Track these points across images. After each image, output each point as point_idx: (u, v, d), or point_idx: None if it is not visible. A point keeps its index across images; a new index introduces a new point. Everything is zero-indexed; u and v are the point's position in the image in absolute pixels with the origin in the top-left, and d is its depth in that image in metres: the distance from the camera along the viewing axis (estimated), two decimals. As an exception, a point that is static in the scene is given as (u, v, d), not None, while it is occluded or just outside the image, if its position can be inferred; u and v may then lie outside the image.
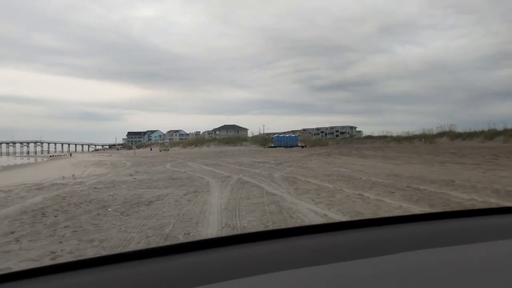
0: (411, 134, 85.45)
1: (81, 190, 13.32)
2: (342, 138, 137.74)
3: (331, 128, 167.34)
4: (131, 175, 20.25)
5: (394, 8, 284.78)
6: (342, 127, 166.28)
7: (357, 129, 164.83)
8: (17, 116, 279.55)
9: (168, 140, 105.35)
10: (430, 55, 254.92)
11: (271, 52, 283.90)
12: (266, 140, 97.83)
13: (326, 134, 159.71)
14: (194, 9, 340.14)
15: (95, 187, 14.28)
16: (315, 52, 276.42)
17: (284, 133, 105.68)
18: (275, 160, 29.43)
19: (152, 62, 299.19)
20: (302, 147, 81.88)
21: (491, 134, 61.02)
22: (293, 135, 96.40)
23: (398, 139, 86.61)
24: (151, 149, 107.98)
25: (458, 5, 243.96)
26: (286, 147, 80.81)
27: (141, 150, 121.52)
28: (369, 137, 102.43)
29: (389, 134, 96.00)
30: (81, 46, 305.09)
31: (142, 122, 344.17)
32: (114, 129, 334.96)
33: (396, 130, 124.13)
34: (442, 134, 73.05)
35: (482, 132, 64.51)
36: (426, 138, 76.20)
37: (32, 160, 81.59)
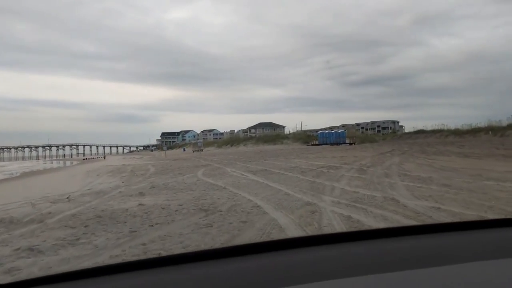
0: (474, 127, 75.61)
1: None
2: (387, 133, 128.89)
3: (372, 123, 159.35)
4: (141, 194, 12.95)
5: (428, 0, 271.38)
6: (384, 122, 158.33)
7: (399, 124, 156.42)
8: (55, 120, 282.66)
9: (201, 140, 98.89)
10: (468, 45, 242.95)
11: (304, 49, 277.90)
12: (310, 137, 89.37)
13: (366, 129, 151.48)
14: (226, 9, 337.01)
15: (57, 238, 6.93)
16: (349, 48, 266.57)
17: (323, 129, 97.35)
18: (345, 163, 21.65)
19: (185, 63, 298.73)
20: (350, 144, 73.47)
21: None
22: (339, 131, 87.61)
23: (458, 133, 77.08)
24: (184, 149, 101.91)
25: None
26: (332, 144, 72.50)
27: (174, 151, 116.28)
28: (421, 131, 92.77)
29: (445, 128, 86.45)
30: (116, 50, 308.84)
31: (176, 123, 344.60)
32: (150, 130, 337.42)
33: (433, 124, 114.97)
34: (514, 126, 63.25)
35: None
36: (495, 130, 66.46)
37: (61, 163, 77.33)
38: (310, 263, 1.27)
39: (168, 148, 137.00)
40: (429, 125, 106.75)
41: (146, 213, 9.07)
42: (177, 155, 71.57)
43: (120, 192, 14.10)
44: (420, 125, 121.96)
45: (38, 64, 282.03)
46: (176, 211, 9.13)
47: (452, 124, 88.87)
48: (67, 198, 12.94)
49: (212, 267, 1.25)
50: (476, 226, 1.64)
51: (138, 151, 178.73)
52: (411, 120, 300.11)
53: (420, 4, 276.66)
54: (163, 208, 9.60)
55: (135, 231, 7.06)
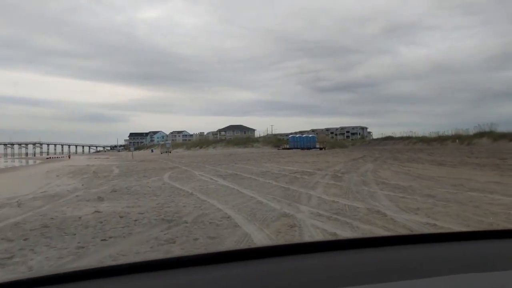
0: (442, 135, 76.59)
1: None
2: (356, 139, 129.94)
3: (341, 128, 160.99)
4: (100, 199, 11.79)
5: (398, 8, 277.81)
6: (353, 128, 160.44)
7: (367, 130, 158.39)
8: (18, 117, 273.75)
9: (170, 141, 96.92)
10: (435, 56, 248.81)
11: (276, 53, 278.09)
12: (280, 141, 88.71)
13: (336, 134, 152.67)
14: (199, 10, 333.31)
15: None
16: (320, 53, 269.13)
17: (293, 133, 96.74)
18: (318, 169, 20.91)
19: (157, 63, 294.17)
20: (321, 148, 73.27)
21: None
22: (310, 136, 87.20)
23: (426, 140, 77.87)
24: (152, 150, 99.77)
25: (463, 6, 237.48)
26: (302, 148, 72.03)
27: (142, 152, 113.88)
28: (390, 138, 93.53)
29: (413, 135, 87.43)
30: (86, 48, 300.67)
31: (146, 124, 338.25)
32: (118, 130, 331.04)
33: (400, 130, 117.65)
34: (481, 135, 64.12)
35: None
36: (462, 139, 67.37)
37: (23, 162, 74.33)
38: (297, 271, 1.24)
39: (135, 149, 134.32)
40: (395, 131, 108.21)
41: (101, 222, 7.97)
42: (144, 156, 69.74)
43: (77, 196, 12.89)
44: (387, 132, 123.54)
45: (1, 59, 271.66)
46: (135, 220, 8.07)
47: (419, 132, 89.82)
48: (17, 202, 11.68)
49: (201, 273, 1.21)
50: (465, 238, 1.63)
51: (105, 151, 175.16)
52: (378, 127, 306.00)
53: (389, 13, 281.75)
54: (121, 217, 8.52)
55: (83, 247, 5.98)
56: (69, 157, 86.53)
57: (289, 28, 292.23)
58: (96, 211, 9.37)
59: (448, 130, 78.82)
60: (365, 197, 10.30)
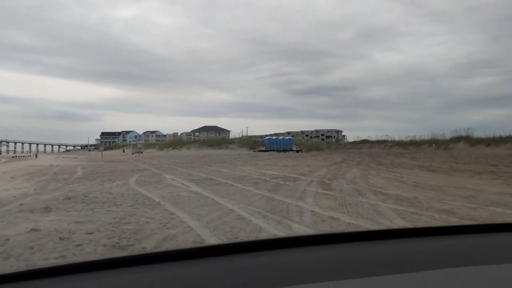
0: (418, 139, 76.13)
1: None
2: (331, 142, 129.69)
3: (316, 131, 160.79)
4: (47, 209, 9.76)
5: (373, 14, 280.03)
6: (328, 131, 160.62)
7: (342, 133, 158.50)
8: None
9: (141, 141, 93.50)
10: (408, 62, 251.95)
11: (251, 55, 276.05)
12: (256, 143, 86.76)
13: (311, 137, 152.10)
14: (175, 10, 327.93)
15: None
16: (295, 56, 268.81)
17: (269, 135, 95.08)
18: (301, 174, 19.15)
19: (131, 62, 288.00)
20: (297, 151, 71.70)
21: (523, 140, 51.81)
22: (287, 138, 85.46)
23: (402, 144, 77.37)
24: (123, 150, 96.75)
25: (435, 14, 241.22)
26: (279, 151, 70.34)
27: (113, 152, 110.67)
28: (365, 141, 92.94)
29: (389, 139, 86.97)
30: (57, 45, 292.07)
31: (119, 123, 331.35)
32: (90, 129, 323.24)
33: (375, 135, 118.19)
34: (458, 139, 63.73)
35: (510, 137, 55.35)
36: (438, 143, 66.93)
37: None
38: (305, 263, 1.24)
39: (106, 149, 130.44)
40: (370, 135, 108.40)
41: (32, 248, 5.97)
42: (115, 156, 67.07)
43: (21, 204, 10.77)
44: (361, 135, 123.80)
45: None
46: (78, 246, 6.09)
47: (393, 136, 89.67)
48: None
49: (205, 265, 1.20)
50: (454, 232, 1.61)
51: (75, 150, 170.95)
52: (352, 130, 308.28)
53: (364, 18, 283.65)
54: (62, 239, 6.52)
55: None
56: (36, 156, 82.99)
57: (265, 31, 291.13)
58: (33, 229, 7.33)
59: (424, 135, 78.55)
60: (368, 212, 8.52)
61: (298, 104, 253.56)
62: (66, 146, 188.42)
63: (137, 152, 74.55)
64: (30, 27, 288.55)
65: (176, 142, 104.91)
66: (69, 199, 11.73)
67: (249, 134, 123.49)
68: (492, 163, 24.82)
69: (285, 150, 71.73)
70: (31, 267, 1.21)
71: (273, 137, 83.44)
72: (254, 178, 17.28)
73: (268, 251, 1.31)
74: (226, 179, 17.04)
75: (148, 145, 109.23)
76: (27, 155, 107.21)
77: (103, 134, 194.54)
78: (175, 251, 1.32)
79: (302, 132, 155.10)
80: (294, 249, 1.35)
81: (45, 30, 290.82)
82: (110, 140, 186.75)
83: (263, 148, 76.31)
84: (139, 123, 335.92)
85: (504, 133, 58.62)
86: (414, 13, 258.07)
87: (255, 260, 1.26)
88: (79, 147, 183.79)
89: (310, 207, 9.40)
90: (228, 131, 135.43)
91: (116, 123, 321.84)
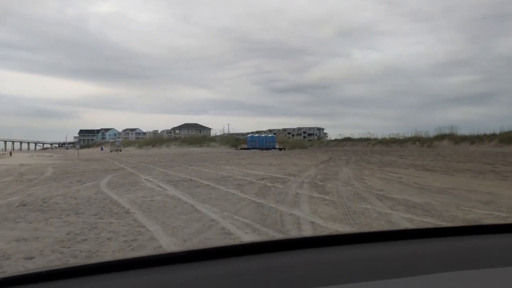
0: (401, 137, 75.54)
1: None
2: (313, 140, 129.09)
3: (298, 129, 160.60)
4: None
5: (352, 13, 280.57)
6: (310, 129, 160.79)
7: (324, 131, 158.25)
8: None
9: (120, 139, 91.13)
10: (387, 60, 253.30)
11: (231, 53, 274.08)
12: (238, 141, 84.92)
13: (293, 135, 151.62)
14: (154, 6, 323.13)
15: None
16: (276, 54, 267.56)
17: (251, 133, 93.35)
18: (289, 174, 17.68)
19: (110, 59, 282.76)
20: (280, 149, 70.34)
21: (508, 138, 51.27)
22: (270, 136, 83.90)
23: (385, 142, 76.80)
24: (102, 148, 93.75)
25: (413, 13, 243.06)
26: (261, 149, 68.82)
27: (91, 150, 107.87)
28: (348, 139, 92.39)
29: (372, 137, 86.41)
30: (34, 40, 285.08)
31: (98, 120, 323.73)
32: (69, 127, 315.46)
33: (355, 132, 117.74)
34: (442, 137, 63.18)
35: (495, 135, 54.87)
36: (422, 141, 66.33)
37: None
38: (305, 267, 1.22)
39: (84, 147, 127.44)
40: (351, 133, 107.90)
41: None
42: (92, 154, 64.90)
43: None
44: (343, 133, 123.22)
45: None
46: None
47: (375, 133, 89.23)
48: None
49: (208, 267, 1.18)
50: (455, 233, 1.56)
51: (52, 148, 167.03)
52: (333, 128, 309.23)
53: (343, 17, 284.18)
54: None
55: None
56: (11, 154, 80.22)
57: (245, 28, 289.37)
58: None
59: (406, 132, 77.99)
60: (380, 224, 7.03)
61: (279, 102, 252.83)
62: (43, 144, 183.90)
63: (116, 150, 72.34)
64: (4, 22, 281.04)
65: (156, 140, 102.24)
66: (24, 205, 10.05)
67: (231, 131, 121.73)
68: (486, 161, 23.73)
69: (267, 148, 70.28)
70: (31, 271, 1.16)
71: (256, 135, 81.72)
72: (238, 179, 15.74)
73: (267, 254, 1.28)
74: (208, 181, 15.47)
75: (128, 143, 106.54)
76: (1, 153, 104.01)
77: (81, 131, 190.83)
78: (180, 253, 1.30)
79: (284, 129, 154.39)
80: (293, 251, 1.31)
81: (20, 25, 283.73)
82: (89, 138, 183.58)
83: (245, 146, 74.66)
84: (118, 121, 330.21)
85: (482, 130, 58.44)
86: (393, 12, 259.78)
87: (254, 263, 1.23)
88: (57, 145, 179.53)
89: (308, 216, 7.90)
90: (209, 129, 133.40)
91: (95, 120, 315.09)
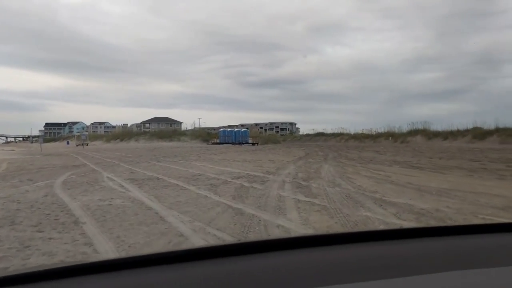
0: (374, 132, 75.09)
1: None
2: (286, 134, 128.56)
3: (271, 124, 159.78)
4: None
5: (325, 9, 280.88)
6: (282, 123, 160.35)
7: (296, 126, 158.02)
8: None
9: (86, 133, 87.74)
10: (358, 56, 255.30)
11: (204, 47, 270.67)
12: (209, 135, 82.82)
13: (265, 130, 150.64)
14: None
15: None
16: (248, 49, 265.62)
17: (223, 127, 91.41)
18: (267, 171, 16.17)
19: (79, 51, 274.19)
20: (253, 144, 68.82)
21: (481, 134, 51.14)
22: (242, 130, 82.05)
23: (358, 137, 76.18)
24: (68, 142, 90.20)
25: (384, 10, 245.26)
26: (234, 143, 67.13)
27: (56, 144, 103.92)
28: (321, 134, 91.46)
29: (345, 131, 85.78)
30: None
31: (67, 114, 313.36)
32: (36, 120, 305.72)
33: (327, 127, 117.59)
34: (415, 132, 62.84)
35: (468, 131, 54.75)
36: (395, 136, 65.94)
37: None
38: (305, 266, 1.20)
39: (50, 140, 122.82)
40: (323, 128, 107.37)
41: None
42: (57, 149, 61.97)
43: None
44: (316, 128, 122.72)
45: None
46: None
47: (348, 129, 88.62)
48: None
49: (211, 266, 1.18)
50: (456, 232, 1.56)
51: (16, 142, 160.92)
52: (306, 123, 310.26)
53: (316, 13, 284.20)
54: None
55: None
56: (-32, 148, 76.41)
57: (218, 22, 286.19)
58: None
59: (378, 128, 77.49)
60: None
61: (252, 96, 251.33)
62: (7, 137, 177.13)
63: (82, 144, 69.38)
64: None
65: (124, 133, 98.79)
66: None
67: (202, 126, 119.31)
68: (469, 158, 22.80)
69: (240, 143, 68.61)
70: (32, 269, 1.16)
71: (228, 129, 79.81)
72: (211, 178, 14.14)
73: (266, 253, 1.27)
74: (177, 179, 13.83)
75: (96, 137, 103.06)
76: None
77: (47, 125, 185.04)
78: (179, 252, 1.28)
79: (256, 124, 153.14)
80: (292, 251, 1.29)
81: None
82: (56, 131, 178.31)
83: (217, 141, 72.75)
84: (88, 114, 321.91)
85: (450, 127, 58.59)
86: (365, 8, 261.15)
87: (246, 263, 1.22)
88: (21, 139, 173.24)
89: (299, 227, 6.41)
90: (180, 123, 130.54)
91: (64, 114, 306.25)
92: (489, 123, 55.45)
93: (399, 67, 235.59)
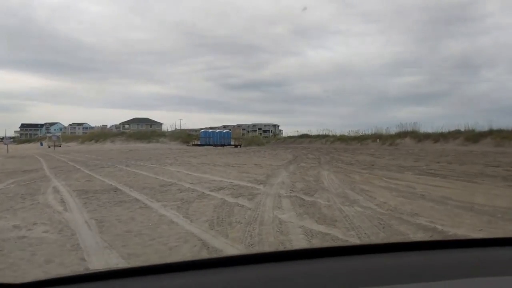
0: (361, 134, 72.67)
1: None
2: (269, 136, 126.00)
3: (254, 125, 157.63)
4: None
5: (306, 12, 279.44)
6: (265, 125, 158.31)
7: (279, 128, 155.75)
8: None
9: (58, 134, 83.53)
10: (339, 60, 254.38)
11: (185, 48, 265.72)
12: (190, 137, 79.22)
13: (248, 131, 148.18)
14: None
15: None
16: (230, 50, 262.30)
17: (206, 129, 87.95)
18: (256, 180, 13.15)
19: (57, 50, 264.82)
20: (236, 145, 65.69)
21: (474, 136, 48.95)
22: (224, 131, 78.54)
23: (345, 139, 73.80)
24: (41, 144, 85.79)
25: (365, 14, 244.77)
26: (215, 145, 63.81)
27: (30, 145, 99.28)
28: (305, 136, 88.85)
29: (330, 133, 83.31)
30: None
31: (45, 115, 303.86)
32: (12, 121, 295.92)
33: (315, 130, 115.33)
34: (404, 134, 60.52)
35: (460, 133, 52.57)
36: (383, 138, 63.57)
37: None
38: (316, 277, 1.18)
39: (25, 142, 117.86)
40: (308, 129, 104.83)
41: None
42: (27, 150, 58.19)
43: None
44: (299, 130, 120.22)
45: None
46: None
47: (333, 131, 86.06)
48: None
49: (215, 276, 1.16)
50: (463, 245, 1.59)
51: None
52: (288, 125, 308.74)
53: (297, 16, 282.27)
54: None
55: None
56: None
57: (199, 23, 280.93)
58: None
59: (363, 130, 75.21)
60: None
61: (234, 98, 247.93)
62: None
63: (54, 146, 65.39)
64: None
65: (99, 134, 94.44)
66: None
67: (184, 127, 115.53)
68: (483, 162, 20.11)
69: (222, 145, 65.33)
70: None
71: (209, 130, 76.42)
72: (185, 189, 11.05)
73: (278, 263, 1.26)
74: (140, 191, 10.70)
75: (71, 138, 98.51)
76: None
77: (23, 125, 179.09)
78: (186, 262, 1.29)
79: (239, 125, 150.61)
80: (302, 261, 1.28)
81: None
82: (32, 132, 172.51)
83: (198, 142, 69.28)
84: (67, 115, 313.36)
85: (428, 130, 56.96)
86: (345, 12, 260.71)
87: (255, 273, 1.20)
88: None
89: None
90: (161, 124, 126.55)
91: (42, 114, 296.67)
92: (469, 126, 53.32)
93: (379, 70, 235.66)
